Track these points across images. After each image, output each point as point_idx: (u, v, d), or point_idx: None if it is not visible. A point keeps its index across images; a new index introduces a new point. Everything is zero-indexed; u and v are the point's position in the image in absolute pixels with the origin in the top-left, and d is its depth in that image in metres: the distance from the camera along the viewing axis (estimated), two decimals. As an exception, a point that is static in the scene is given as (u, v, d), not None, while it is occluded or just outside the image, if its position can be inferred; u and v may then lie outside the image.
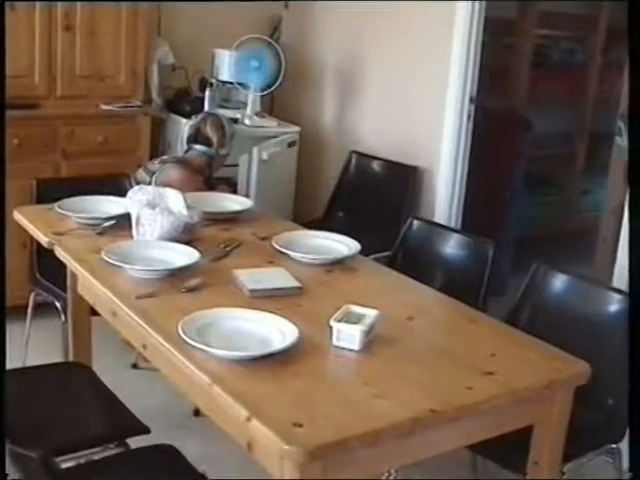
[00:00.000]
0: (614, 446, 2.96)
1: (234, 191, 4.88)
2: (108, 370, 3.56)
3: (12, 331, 4.43)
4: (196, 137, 4.34)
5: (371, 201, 5.14)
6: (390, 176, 5.12)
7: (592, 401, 2.81)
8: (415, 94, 5.02)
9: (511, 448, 2.63)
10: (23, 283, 4.37)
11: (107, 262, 2.92)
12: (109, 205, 3.55)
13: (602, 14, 6.54)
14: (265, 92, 5.41)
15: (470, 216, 5.02)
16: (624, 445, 2.85)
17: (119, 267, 2.90)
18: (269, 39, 5.48)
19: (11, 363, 3.85)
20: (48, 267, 3.95)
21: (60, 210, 3.48)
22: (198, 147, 4.31)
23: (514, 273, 5.39)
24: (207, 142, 4.31)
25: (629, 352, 2.20)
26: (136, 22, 4.90)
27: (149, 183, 3.93)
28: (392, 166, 5.11)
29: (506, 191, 5.68)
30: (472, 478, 3.53)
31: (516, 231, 5.80)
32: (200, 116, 4.49)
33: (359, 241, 3.35)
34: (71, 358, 3.71)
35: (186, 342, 2.36)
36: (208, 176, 4.34)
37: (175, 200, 3.23)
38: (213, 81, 5.27)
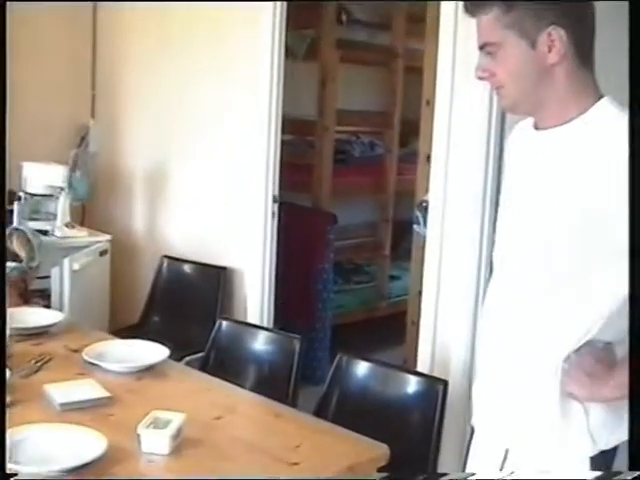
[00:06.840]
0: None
1: (48, 304, 4.88)
2: None
3: None
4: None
5: (185, 304, 5.22)
6: (201, 278, 5.23)
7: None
8: (221, 197, 5.20)
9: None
10: None
11: None
12: None
13: (396, 110, 6.91)
14: (79, 202, 5.49)
15: (285, 311, 5.19)
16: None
17: None
18: (79, 149, 5.53)
19: None
20: None
21: None
22: (9, 264, 4.28)
23: (331, 362, 5.56)
24: (16, 258, 4.29)
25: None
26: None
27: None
28: (202, 268, 5.21)
29: (318, 283, 5.89)
30: None
31: (331, 321, 5.98)
32: (6, 233, 4.47)
33: (175, 344, 3.46)
34: None
35: (-4, 462, 2.39)
36: (23, 290, 4.32)
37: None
38: (21, 194, 5.26)
